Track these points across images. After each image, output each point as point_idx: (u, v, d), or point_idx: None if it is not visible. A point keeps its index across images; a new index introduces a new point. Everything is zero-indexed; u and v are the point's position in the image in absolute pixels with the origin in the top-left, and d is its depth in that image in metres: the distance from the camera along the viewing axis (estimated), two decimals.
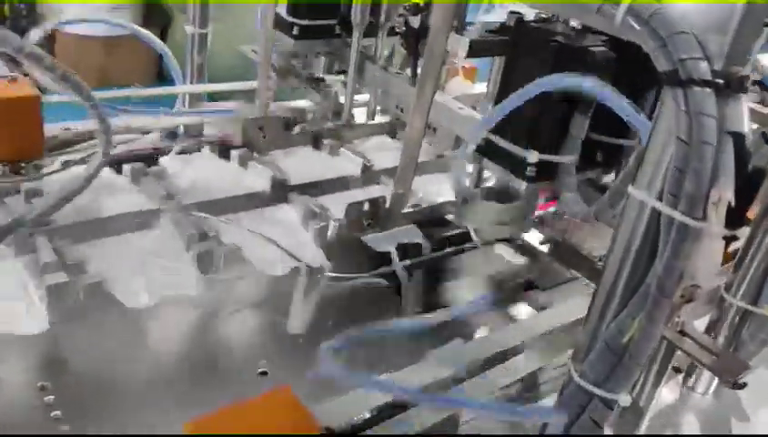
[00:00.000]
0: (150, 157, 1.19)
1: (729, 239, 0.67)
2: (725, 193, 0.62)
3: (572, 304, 1.06)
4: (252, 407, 0.65)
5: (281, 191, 1.11)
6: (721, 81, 0.61)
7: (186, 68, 1.41)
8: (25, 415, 0.80)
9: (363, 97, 1.43)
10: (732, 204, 0.62)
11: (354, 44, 1.25)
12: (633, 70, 0.85)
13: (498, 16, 1.06)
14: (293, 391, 0.67)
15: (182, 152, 1.21)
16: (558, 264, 1.14)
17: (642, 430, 0.94)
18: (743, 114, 0.63)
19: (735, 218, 0.64)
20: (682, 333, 0.89)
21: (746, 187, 0.65)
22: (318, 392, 0.74)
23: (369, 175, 1.22)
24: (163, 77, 4.63)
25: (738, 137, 0.63)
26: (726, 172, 0.62)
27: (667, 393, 1.02)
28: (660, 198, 0.66)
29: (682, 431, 0.96)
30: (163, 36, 5.33)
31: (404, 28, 1.42)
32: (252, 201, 1.08)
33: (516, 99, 0.87)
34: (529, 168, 0.90)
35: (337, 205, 1.07)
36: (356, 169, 1.22)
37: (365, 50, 1.28)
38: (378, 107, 1.41)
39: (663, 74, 0.62)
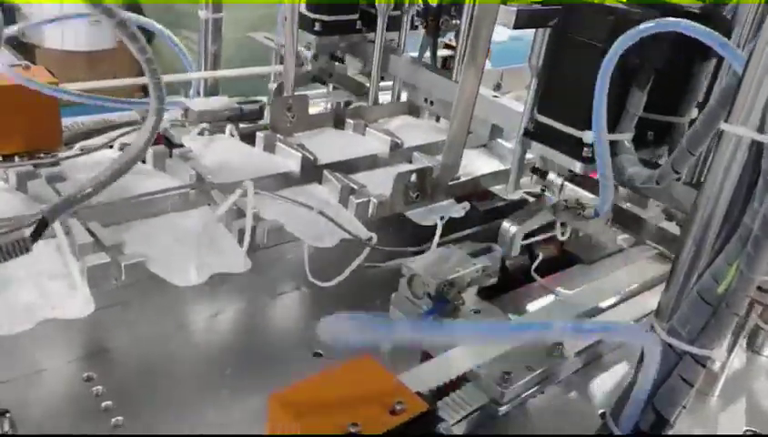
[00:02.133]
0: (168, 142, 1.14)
1: None
2: None
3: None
4: (337, 375, 0.60)
5: (312, 171, 1.06)
6: None
7: (200, 57, 1.36)
8: (76, 407, 0.74)
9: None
10: None
11: (378, 35, 1.22)
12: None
13: None
14: None
15: (201, 133, 1.16)
16: (616, 229, 1.10)
17: (716, 394, 0.90)
18: None
19: None
20: (762, 290, 0.86)
21: None
22: None
23: (399, 152, 1.17)
24: (146, 91, 4.57)
25: None
26: None
27: (734, 356, 0.98)
28: (760, 130, 0.62)
29: (754, 394, 0.91)
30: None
31: (423, 7, 1.40)
32: (283, 181, 1.03)
33: (605, 72, 0.81)
34: (585, 149, 0.87)
35: (368, 183, 1.03)
36: (383, 147, 1.18)
37: (388, 44, 1.25)
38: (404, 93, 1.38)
39: None
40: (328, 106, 1.51)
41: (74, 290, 0.76)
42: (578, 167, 0.90)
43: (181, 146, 1.06)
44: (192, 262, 0.80)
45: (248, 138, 1.16)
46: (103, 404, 0.75)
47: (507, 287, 1.03)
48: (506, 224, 0.92)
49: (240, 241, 0.85)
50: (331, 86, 1.45)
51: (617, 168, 0.90)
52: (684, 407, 0.73)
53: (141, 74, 0.72)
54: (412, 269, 0.81)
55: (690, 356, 0.70)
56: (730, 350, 0.88)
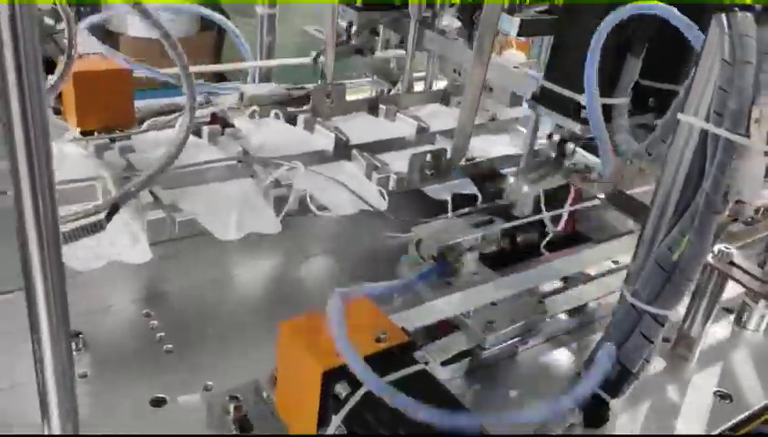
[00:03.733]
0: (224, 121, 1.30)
1: None
2: (766, 110, 0.68)
3: None
4: None
5: (344, 150, 1.20)
6: (759, 6, 0.67)
7: (256, 48, 1.52)
8: (136, 335, 0.91)
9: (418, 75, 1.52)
10: None
11: (414, 10, 1.33)
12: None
13: None
14: None
15: (252, 116, 1.32)
16: (615, 213, 1.19)
17: (694, 361, 1.00)
18: None
19: None
20: (732, 264, 0.95)
21: None
22: None
23: (425, 136, 1.30)
24: (222, 77, 4.81)
25: None
26: (766, 91, 0.68)
27: (719, 330, 1.07)
28: (707, 120, 0.72)
29: (731, 361, 1.00)
30: (220, 37, 5.51)
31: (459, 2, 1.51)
32: (317, 158, 1.17)
33: (598, 41, 0.91)
34: (584, 111, 0.96)
35: (395, 161, 1.17)
36: (410, 131, 1.31)
37: (423, 20, 1.36)
38: (438, 76, 1.49)
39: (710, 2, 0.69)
40: (372, 92, 1.66)
41: (136, 241, 0.93)
42: (578, 128, 0.99)
43: (232, 126, 1.22)
44: (233, 221, 0.96)
45: (294, 121, 1.31)
46: (157, 335, 0.92)
47: (519, 259, 1.15)
48: (515, 182, 1.02)
49: (276, 209, 1.00)
50: (374, 76, 1.58)
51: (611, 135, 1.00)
52: (647, 360, 0.84)
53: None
54: (419, 234, 0.94)
55: (649, 315, 0.81)
56: (705, 321, 0.97)
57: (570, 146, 1.06)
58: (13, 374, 0.81)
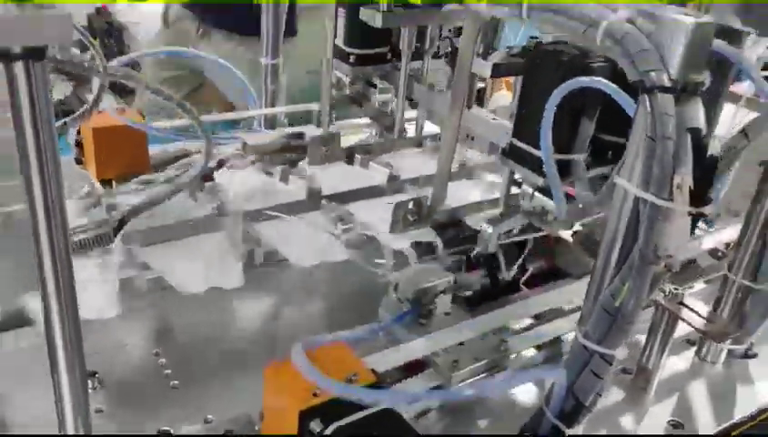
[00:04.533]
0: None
1: (695, 216, 0.81)
2: (686, 177, 0.78)
3: None
4: (318, 354, 0.84)
5: (316, 199, 1.32)
6: (678, 87, 0.77)
7: (262, 95, 1.65)
8: (146, 373, 1.03)
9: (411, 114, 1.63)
10: (692, 187, 0.77)
11: (403, 67, 1.44)
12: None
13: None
14: None
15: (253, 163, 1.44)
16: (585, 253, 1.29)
17: (652, 392, 1.09)
18: (700, 113, 0.78)
19: (698, 198, 0.79)
20: (681, 304, 1.04)
21: (705, 172, 0.80)
22: None
23: (395, 184, 1.41)
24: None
25: (695, 132, 0.78)
26: (686, 161, 0.78)
27: (679, 362, 1.16)
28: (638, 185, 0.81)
29: (687, 392, 1.09)
30: None
31: (449, 49, 1.62)
32: (289, 209, 1.29)
33: (550, 107, 1.01)
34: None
35: (365, 210, 1.30)
36: (383, 179, 1.43)
37: (413, 72, 1.47)
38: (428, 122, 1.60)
39: (633, 83, 0.79)
40: (373, 132, 1.77)
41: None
42: (540, 181, 1.09)
43: (213, 180, 1.35)
44: (199, 276, 1.09)
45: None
46: (165, 372, 1.03)
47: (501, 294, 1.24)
48: (484, 226, 1.12)
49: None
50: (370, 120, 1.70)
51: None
52: (599, 394, 0.93)
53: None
54: (397, 278, 1.05)
55: (598, 354, 0.90)
56: (660, 355, 1.06)
57: (529, 190, 1.16)
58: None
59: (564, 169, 1.06)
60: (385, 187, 1.40)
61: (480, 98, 1.75)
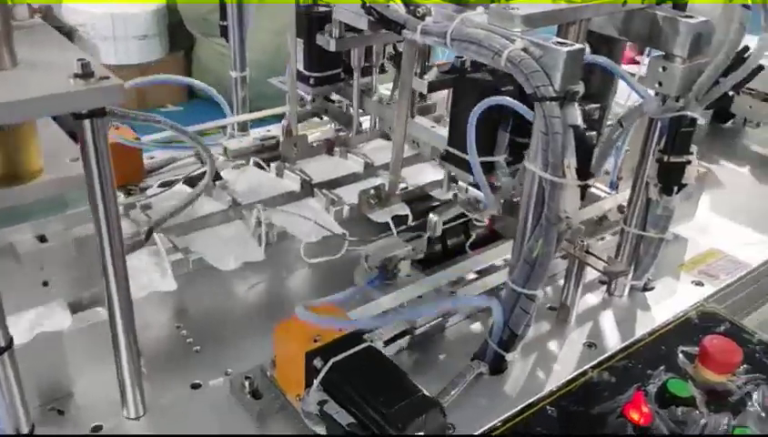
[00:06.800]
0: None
1: (583, 188, 1.10)
2: (572, 160, 1.07)
3: None
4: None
5: (308, 188, 1.60)
6: (561, 96, 1.05)
7: (234, 103, 1.89)
8: (172, 342, 1.30)
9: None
10: (576, 166, 1.06)
11: (355, 82, 1.69)
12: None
13: None
14: None
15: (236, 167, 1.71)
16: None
17: (572, 322, 1.39)
18: (577, 113, 1.07)
19: (582, 174, 1.08)
20: (588, 252, 1.35)
21: (585, 155, 1.08)
22: None
23: (370, 170, 1.71)
24: (194, 95, 5.13)
25: (576, 128, 1.06)
26: (571, 149, 1.06)
27: (594, 298, 1.47)
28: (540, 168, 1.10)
29: (599, 321, 1.40)
30: (188, 57, 5.84)
31: (393, 52, 1.88)
32: (287, 198, 1.57)
33: (473, 118, 1.28)
34: None
35: (349, 194, 1.58)
36: (359, 167, 1.72)
37: (364, 87, 1.71)
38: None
39: (529, 96, 1.06)
40: (330, 127, 2.03)
41: (164, 275, 1.31)
42: (471, 179, 1.36)
43: (221, 178, 1.61)
44: (230, 255, 1.35)
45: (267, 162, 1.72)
46: (188, 340, 1.30)
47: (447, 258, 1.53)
48: (432, 215, 1.41)
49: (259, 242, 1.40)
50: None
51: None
52: (528, 325, 1.23)
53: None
54: (367, 251, 1.33)
55: (524, 295, 1.19)
56: (575, 294, 1.37)
57: (463, 185, 1.45)
58: None
59: (489, 167, 1.34)
60: (362, 173, 1.71)
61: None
